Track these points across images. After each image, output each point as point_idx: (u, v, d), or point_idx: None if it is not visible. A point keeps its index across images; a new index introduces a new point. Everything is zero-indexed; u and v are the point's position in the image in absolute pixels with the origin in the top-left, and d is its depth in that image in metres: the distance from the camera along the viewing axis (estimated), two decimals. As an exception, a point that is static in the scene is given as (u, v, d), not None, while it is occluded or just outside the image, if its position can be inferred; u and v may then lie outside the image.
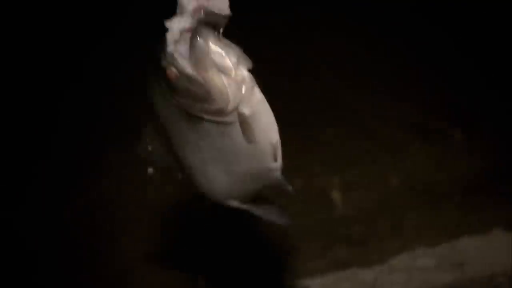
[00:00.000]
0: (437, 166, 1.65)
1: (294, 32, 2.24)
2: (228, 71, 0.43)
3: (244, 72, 0.43)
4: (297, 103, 1.85)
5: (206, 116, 0.46)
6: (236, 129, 0.46)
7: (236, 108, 0.44)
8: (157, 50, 0.44)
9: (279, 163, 0.51)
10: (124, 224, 1.69)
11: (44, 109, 2.09)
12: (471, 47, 1.97)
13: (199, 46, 0.42)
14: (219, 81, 0.43)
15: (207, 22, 0.43)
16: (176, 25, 0.43)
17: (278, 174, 0.52)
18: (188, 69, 0.42)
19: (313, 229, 1.46)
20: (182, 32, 0.43)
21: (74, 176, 1.77)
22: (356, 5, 2.18)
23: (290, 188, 0.55)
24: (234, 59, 0.43)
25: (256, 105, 0.45)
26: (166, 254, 1.46)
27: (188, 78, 0.43)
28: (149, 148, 0.59)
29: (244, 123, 0.46)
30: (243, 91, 0.43)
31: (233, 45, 0.44)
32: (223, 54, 0.43)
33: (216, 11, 0.42)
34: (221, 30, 0.44)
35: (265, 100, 0.46)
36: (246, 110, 0.45)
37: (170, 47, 0.43)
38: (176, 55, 0.43)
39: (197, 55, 0.43)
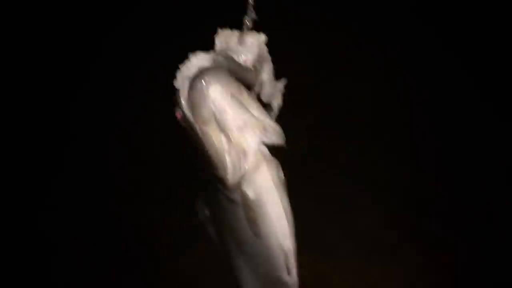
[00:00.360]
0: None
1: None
2: (229, 133, 0.34)
3: (250, 142, 0.34)
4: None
5: (217, 184, 0.38)
6: (242, 212, 0.36)
7: (239, 184, 0.36)
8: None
9: (293, 278, 0.39)
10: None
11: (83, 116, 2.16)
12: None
13: (198, 89, 0.33)
14: (216, 139, 0.35)
15: (236, 75, 0.34)
16: (195, 61, 0.37)
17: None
18: (185, 109, 0.34)
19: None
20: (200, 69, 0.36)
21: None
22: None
23: None
24: (243, 120, 0.33)
25: (262, 190, 0.35)
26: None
27: (187, 122, 0.35)
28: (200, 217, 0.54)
29: (247, 207, 0.35)
30: (245, 164, 0.34)
31: (260, 110, 0.35)
32: (229, 109, 0.33)
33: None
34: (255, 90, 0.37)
35: (279, 190, 0.35)
36: (249, 192, 0.35)
37: (179, 82, 0.37)
38: (180, 92, 0.36)
39: (194, 98, 0.34)
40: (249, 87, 0.38)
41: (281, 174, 0.38)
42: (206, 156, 0.36)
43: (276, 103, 0.40)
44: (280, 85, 0.39)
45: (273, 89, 0.39)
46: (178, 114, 0.39)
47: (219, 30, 0.42)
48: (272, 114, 0.39)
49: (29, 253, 1.64)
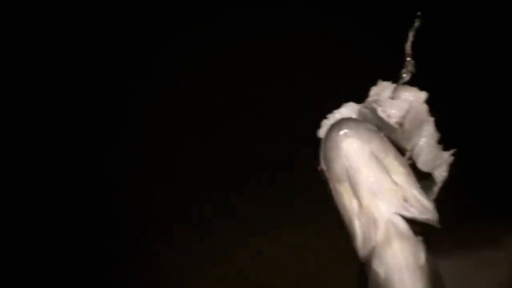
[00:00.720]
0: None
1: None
2: (360, 196, 0.31)
3: (383, 210, 0.30)
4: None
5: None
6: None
7: (369, 257, 0.31)
8: None
9: None
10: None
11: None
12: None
13: (333, 140, 0.32)
14: (348, 201, 0.32)
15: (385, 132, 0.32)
16: (343, 110, 0.37)
17: None
18: (321, 162, 0.33)
19: None
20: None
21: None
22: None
23: None
24: (378, 184, 0.30)
25: (392, 270, 0.30)
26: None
27: (324, 176, 0.34)
28: None
29: (375, 286, 0.32)
30: (376, 236, 0.30)
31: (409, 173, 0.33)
32: (364, 168, 0.31)
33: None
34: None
35: (414, 273, 0.30)
36: (379, 269, 0.31)
37: (322, 131, 0.35)
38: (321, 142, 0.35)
39: (328, 150, 0.32)
40: (401, 150, 0.32)
41: (422, 255, 0.30)
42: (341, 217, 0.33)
43: (440, 174, 0.34)
44: (447, 155, 0.34)
45: (435, 157, 0.33)
46: (319, 167, 0.35)
47: (379, 81, 0.37)
48: (433, 188, 0.33)
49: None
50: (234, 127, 1.45)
